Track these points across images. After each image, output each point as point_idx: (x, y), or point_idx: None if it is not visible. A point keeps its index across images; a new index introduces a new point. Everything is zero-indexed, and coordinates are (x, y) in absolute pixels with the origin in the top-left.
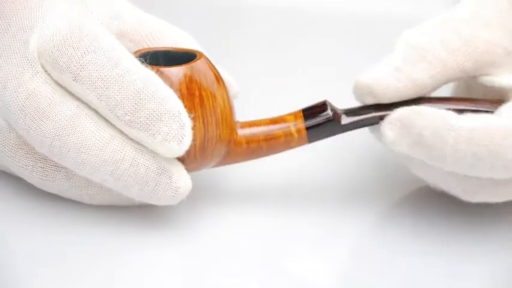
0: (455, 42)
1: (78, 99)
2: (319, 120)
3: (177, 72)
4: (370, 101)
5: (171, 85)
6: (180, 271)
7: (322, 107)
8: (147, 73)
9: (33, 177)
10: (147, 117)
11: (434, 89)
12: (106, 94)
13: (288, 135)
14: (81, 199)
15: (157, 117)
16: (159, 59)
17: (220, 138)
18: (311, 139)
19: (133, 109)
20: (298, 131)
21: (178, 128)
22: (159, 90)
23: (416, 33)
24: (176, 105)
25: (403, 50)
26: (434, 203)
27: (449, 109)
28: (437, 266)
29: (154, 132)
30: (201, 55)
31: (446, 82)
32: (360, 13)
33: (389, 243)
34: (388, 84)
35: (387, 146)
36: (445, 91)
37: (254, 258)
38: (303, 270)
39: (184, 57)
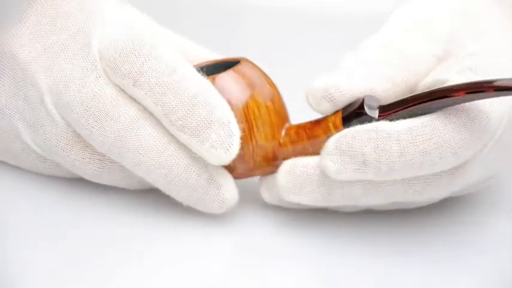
0: (397, 59)
1: (137, 102)
2: (356, 122)
3: (224, 77)
4: (325, 106)
5: (222, 91)
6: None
7: (359, 108)
8: (202, 80)
9: (89, 169)
10: (198, 123)
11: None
12: (162, 100)
13: (327, 131)
14: (130, 186)
15: (207, 124)
16: (213, 71)
17: (265, 140)
18: None
19: (186, 115)
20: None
21: (226, 136)
22: (211, 98)
23: (361, 53)
24: (226, 114)
25: (355, 64)
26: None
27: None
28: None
29: (203, 139)
30: (245, 60)
31: (393, 99)
32: (360, 13)
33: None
34: (343, 89)
35: (332, 177)
36: None
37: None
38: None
39: (232, 65)
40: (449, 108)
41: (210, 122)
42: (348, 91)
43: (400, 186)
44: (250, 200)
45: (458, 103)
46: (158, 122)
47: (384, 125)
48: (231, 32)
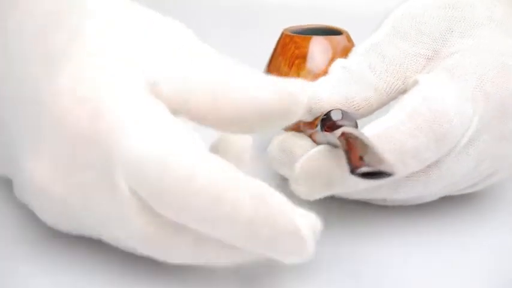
0: (381, 65)
1: None
2: None
3: (318, 40)
4: (309, 117)
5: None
6: None
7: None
8: (254, 192)
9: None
10: (265, 242)
11: (370, 112)
12: (215, 233)
13: None
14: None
15: (274, 240)
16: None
17: None
18: None
19: (248, 238)
20: None
21: (298, 245)
22: (270, 210)
23: (348, 61)
24: (291, 220)
25: (337, 73)
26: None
27: None
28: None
29: (276, 253)
30: (346, 33)
31: (380, 106)
32: (360, 13)
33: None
34: (322, 99)
35: (305, 199)
36: None
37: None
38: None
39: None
40: (404, 114)
41: (275, 237)
42: (327, 103)
43: (371, 188)
44: None
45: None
46: None
47: None
48: (232, 32)
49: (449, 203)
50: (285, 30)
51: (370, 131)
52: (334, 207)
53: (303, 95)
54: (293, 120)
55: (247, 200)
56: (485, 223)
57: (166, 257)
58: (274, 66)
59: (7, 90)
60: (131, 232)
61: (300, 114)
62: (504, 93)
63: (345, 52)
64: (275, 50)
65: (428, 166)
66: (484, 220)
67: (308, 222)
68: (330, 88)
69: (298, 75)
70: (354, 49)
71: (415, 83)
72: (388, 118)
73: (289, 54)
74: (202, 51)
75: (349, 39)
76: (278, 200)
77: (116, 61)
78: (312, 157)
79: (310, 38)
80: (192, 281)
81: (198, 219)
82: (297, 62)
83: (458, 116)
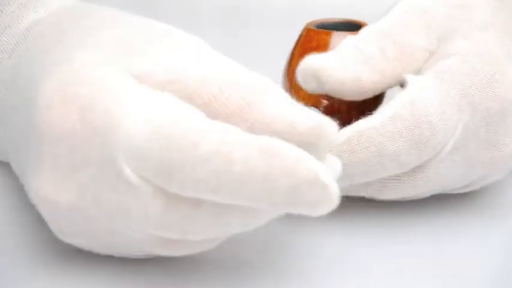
0: (392, 51)
1: None
2: None
3: (340, 36)
4: (312, 85)
5: None
6: None
7: None
8: (264, 147)
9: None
10: (285, 196)
11: (373, 94)
12: (232, 198)
13: None
14: None
15: (294, 192)
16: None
17: None
18: None
19: (268, 195)
20: None
21: (321, 193)
22: (284, 162)
23: (360, 40)
24: (310, 167)
25: (349, 50)
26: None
27: None
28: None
29: (299, 207)
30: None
31: (382, 91)
32: (361, 13)
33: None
34: (333, 73)
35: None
36: None
37: None
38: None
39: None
40: (387, 116)
41: (296, 188)
42: (337, 78)
43: (358, 186)
44: None
45: None
46: None
47: None
48: (233, 32)
49: (445, 200)
50: (308, 24)
51: (353, 128)
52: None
53: (333, 134)
54: (311, 153)
55: (258, 155)
56: (483, 221)
57: (187, 236)
58: (295, 60)
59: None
60: (148, 220)
61: (322, 154)
62: (492, 104)
63: None
64: (297, 43)
65: (413, 170)
66: (482, 218)
67: (328, 167)
68: (341, 65)
69: None
70: (365, 29)
71: (404, 82)
72: (372, 118)
73: (310, 49)
74: (214, 54)
75: None
76: (291, 150)
77: (103, 56)
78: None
79: (331, 33)
80: (192, 281)
81: (211, 187)
82: None
83: (442, 122)
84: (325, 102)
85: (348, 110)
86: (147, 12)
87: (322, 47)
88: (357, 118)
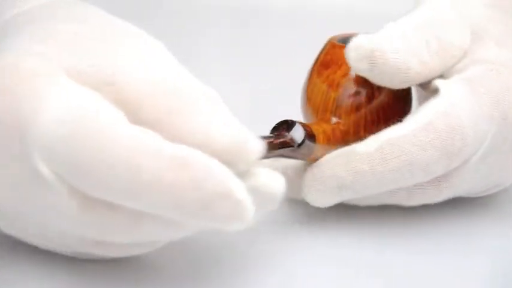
0: (436, 46)
1: None
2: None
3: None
4: (364, 66)
5: None
6: None
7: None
8: (175, 156)
9: None
10: (195, 208)
11: (409, 86)
12: (142, 205)
13: None
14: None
15: (204, 205)
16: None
17: None
18: None
19: (177, 206)
20: None
21: (233, 208)
22: (195, 173)
23: (406, 29)
24: (222, 181)
25: (400, 37)
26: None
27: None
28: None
29: (211, 220)
30: None
31: (418, 82)
32: (360, 13)
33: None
34: (388, 58)
35: (315, 206)
36: None
37: None
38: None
39: None
40: (419, 126)
41: (206, 201)
42: (390, 63)
43: (385, 196)
44: None
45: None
46: None
47: (356, 146)
48: (233, 32)
49: (454, 205)
50: (332, 38)
51: (383, 136)
52: (335, 210)
53: (254, 154)
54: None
55: (168, 165)
56: (493, 224)
57: (105, 237)
58: (313, 74)
59: None
60: (67, 219)
61: (243, 166)
62: None
63: None
64: (318, 57)
65: (438, 179)
66: (492, 221)
67: (254, 183)
68: (395, 50)
69: (337, 86)
70: (405, 18)
71: (436, 89)
72: (403, 127)
73: (328, 63)
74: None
75: None
76: (205, 162)
77: (43, 49)
78: (321, 163)
79: (343, 47)
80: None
81: (118, 192)
82: (338, 72)
83: (473, 133)
84: (334, 119)
85: (356, 131)
86: (147, 12)
87: (340, 63)
88: (365, 138)
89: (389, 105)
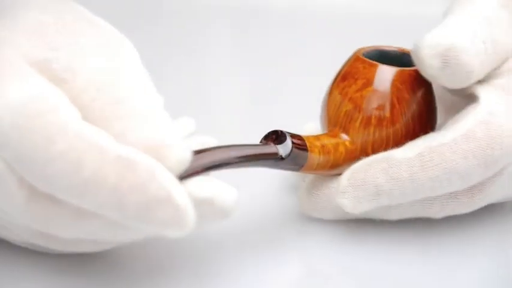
0: (491, 48)
1: None
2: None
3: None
4: (435, 64)
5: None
6: None
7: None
8: (120, 157)
9: None
10: (135, 211)
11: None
12: (83, 203)
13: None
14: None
15: (144, 209)
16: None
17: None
18: None
19: (117, 207)
20: None
21: (173, 214)
22: (138, 177)
23: (469, 28)
24: (163, 186)
25: (466, 36)
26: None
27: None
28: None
29: (151, 224)
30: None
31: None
32: (360, 13)
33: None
34: (461, 59)
35: (350, 212)
36: None
37: None
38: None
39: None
40: (460, 134)
41: (146, 204)
42: (462, 64)
43: (418, 208)
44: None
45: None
46: None
47: (393, 152)
48: (233, 32)
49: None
50: (358, 51)
51: (422, 143)
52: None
53: (176, 158)
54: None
55: (111, 165)
56: (493, 225)
57: (51, 231)
58: (334, 85)
59: None
60: (14, 209)
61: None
62: None
63: (411, 88)
64: (343, 66)
65: (471, 189)
66: (492, 221)
67: (198, 191)
68: (465, 50)
69: (349, 100)
70: (465, 16)
71: (471, 94)
72: (442, 134)
73: (350, 75)
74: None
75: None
76: (149, 166)
77: (8, 34)
78: (359, 168)
79: (377, 66)
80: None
81: (59, 187)
82: (353, 86)
83: (511, 142)
84: (345, 137)
85: (363, 149)
86: (147, 12)
87: (357, 77)
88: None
89: (400, 132)
